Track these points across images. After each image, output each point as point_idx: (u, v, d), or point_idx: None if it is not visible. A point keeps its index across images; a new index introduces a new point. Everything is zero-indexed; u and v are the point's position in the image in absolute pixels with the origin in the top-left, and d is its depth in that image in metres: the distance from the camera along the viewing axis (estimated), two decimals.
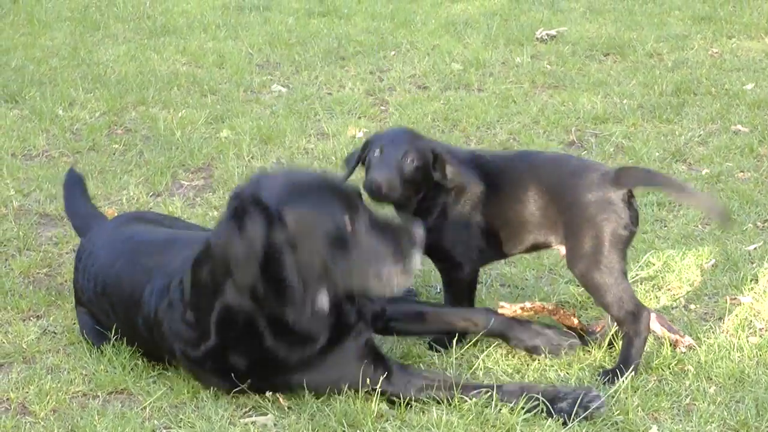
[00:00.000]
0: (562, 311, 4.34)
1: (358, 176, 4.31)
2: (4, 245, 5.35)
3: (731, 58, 8.58)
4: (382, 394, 3.87)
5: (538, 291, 4.82)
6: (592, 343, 4.25)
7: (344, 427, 3.76)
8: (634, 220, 4.05)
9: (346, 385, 3.89)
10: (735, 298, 4.66)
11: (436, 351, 4.27)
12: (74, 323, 4.52)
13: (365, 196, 4.04)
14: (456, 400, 3.84)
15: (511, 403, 3.81)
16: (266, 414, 3.88)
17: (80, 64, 8.56)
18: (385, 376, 3.89)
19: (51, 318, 4.63)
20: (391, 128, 4.74)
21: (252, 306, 3.76)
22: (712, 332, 4.39)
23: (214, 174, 6.28)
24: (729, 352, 4.20)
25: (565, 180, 4.12)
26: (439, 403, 3.87)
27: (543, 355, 4.17)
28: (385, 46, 9.09)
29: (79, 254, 4.57)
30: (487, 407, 3.81)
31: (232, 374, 3.87)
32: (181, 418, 3.87)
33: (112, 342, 4.24)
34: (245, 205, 3.68)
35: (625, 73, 8.19)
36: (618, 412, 3.82)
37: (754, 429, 3.76)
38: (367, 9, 10.47)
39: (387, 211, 4.23)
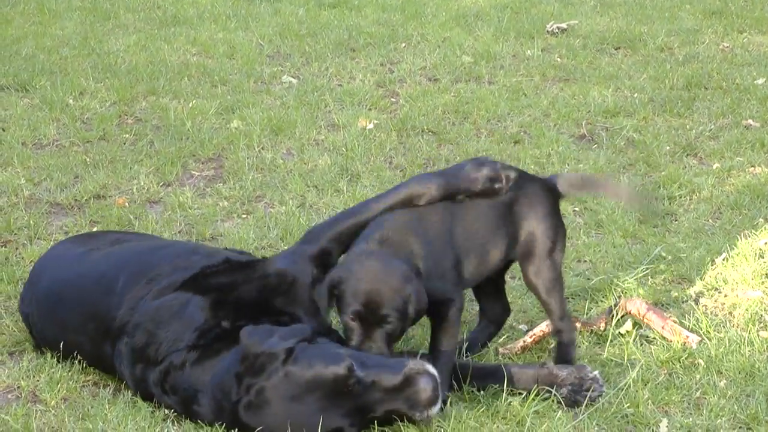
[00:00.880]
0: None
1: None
2: (15, 234, 5.36)
3: (742, 53, 8.56)
4: None
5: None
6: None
7: None
8: None
9: None
10: (745, 293, 4.66)
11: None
12: None
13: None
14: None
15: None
16: None
17: (90, 54, 8.56)
18: None
19: None
20: (361, 275, 3.74)
21: None
22: (723, 326, 4.39)
23: (224, 164, 6.28)
24: (739, 346, 4.20)
25: None
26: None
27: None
28: (396, 38, 9.08)
29: None
30: (497, 399, 3.82)
31: None
32: None
33: None
34: None
35: (635, 67, 8.17)
36: (628, 405, 3.83)
37: (765, 422, 3.76)
38: (378, 0, 10.45)
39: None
